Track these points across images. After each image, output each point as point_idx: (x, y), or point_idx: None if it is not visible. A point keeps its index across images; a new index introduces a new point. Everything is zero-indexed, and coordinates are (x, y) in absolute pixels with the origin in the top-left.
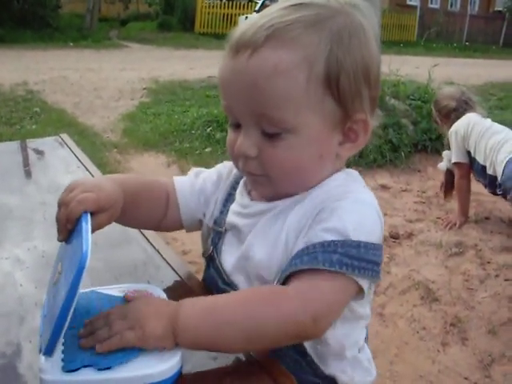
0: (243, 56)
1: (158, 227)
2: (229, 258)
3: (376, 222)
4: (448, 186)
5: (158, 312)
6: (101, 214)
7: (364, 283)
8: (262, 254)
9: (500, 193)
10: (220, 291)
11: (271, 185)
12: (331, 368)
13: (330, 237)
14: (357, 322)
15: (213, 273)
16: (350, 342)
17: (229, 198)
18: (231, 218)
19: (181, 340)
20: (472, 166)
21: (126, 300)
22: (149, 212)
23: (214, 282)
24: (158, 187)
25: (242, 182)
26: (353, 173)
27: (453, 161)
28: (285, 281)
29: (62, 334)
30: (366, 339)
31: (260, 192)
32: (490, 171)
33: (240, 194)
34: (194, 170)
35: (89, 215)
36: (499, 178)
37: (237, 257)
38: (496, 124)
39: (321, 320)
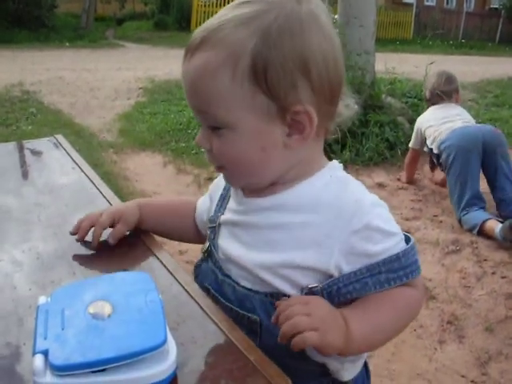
0: (186, 59)
1: (195, 240)
2: (233, 251)
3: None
4: (430, 165)
5: (338, 324)
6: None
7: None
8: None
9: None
10: (219, 283)
11: (233, 177)
12: (319, 356)
13: (381, 246)
14: None
15: (211, 266)
16: None
17: (223, 199)
18: (227, 214)
19: (344, 354)
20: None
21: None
22: (176, 229)
23: (213, 274)
24: (185, 208)
25: None
26: (336, 167)
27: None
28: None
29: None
30: None
31: (231, 185)
32: (435, 151)
33: (234, 192)
34: None
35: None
36: (438, 146)
37: (247, 250)
38: (455, 114)
39: None
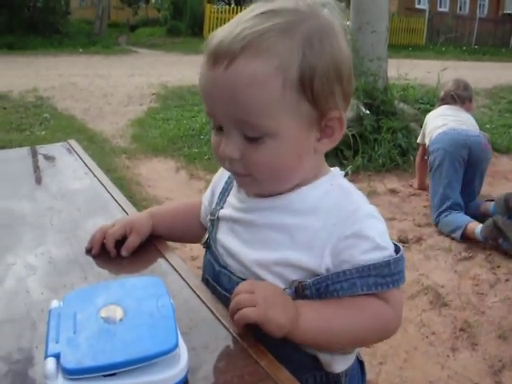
0: (221, 66)
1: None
2: (232, 247)
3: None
4: None
5: (283, 302)
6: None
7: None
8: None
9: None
10: (216, 273)
11: (256, 184)
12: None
13: (368, 256)
14: None
15: (210, 258)
16: None
17: (224, 192)
18: (228, 210)
19: (295, 338)
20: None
21: None
22: (186, 232)
23: (211, 265)
24: (191, 208)
25: None
26: (337, 175)
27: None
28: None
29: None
30: None
31: (246, 190)
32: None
33: (236, 189)
34: None
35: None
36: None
37: (242, 245)
38: (459, 115)
39: None
